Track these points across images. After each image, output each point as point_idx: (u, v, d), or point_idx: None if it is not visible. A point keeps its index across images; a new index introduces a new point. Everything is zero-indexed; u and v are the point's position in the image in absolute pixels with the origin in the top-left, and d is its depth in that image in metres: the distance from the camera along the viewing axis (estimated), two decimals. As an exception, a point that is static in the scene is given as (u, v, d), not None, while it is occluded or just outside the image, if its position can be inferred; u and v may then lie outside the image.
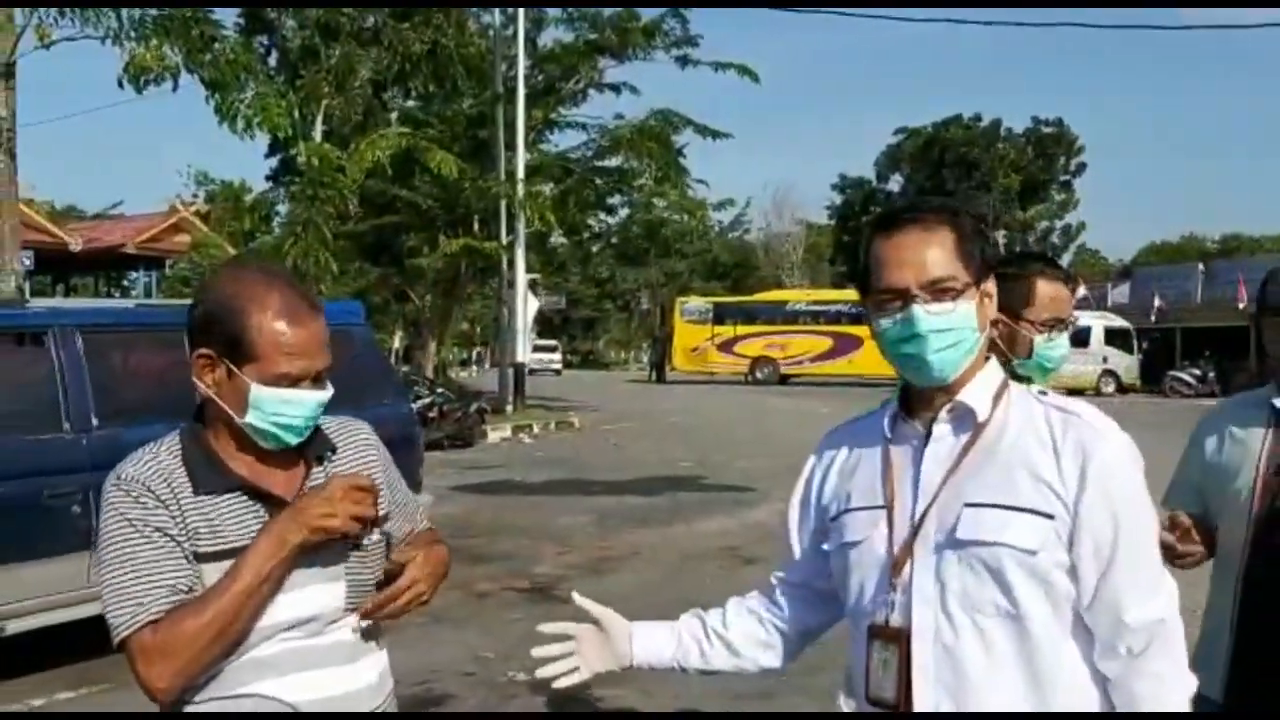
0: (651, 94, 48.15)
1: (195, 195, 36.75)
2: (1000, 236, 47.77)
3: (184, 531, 1.81)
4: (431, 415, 17.50)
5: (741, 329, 41.57)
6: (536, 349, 41.80)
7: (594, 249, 33.21)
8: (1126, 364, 35.68)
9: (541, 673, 2.00)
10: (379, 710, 1.96)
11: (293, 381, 1.84)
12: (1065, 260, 53.86)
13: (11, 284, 13.09)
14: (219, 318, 1.84)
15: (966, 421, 1.77)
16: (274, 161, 27.53)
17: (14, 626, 5.65)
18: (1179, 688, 1.73)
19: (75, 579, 5.81)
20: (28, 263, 20.29)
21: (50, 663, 6.04)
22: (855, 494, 1.85)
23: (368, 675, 1.94)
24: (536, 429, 21.80)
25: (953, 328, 1.73)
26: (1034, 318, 2.65)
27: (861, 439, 1.90)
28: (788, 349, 40.87)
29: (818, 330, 40.86)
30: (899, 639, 1.73)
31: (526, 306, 25.28)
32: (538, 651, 2.01)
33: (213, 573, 1.80)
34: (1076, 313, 2.85)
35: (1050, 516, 1.68)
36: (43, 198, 38.86)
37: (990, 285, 1.80)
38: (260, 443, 1.88)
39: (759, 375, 40.22)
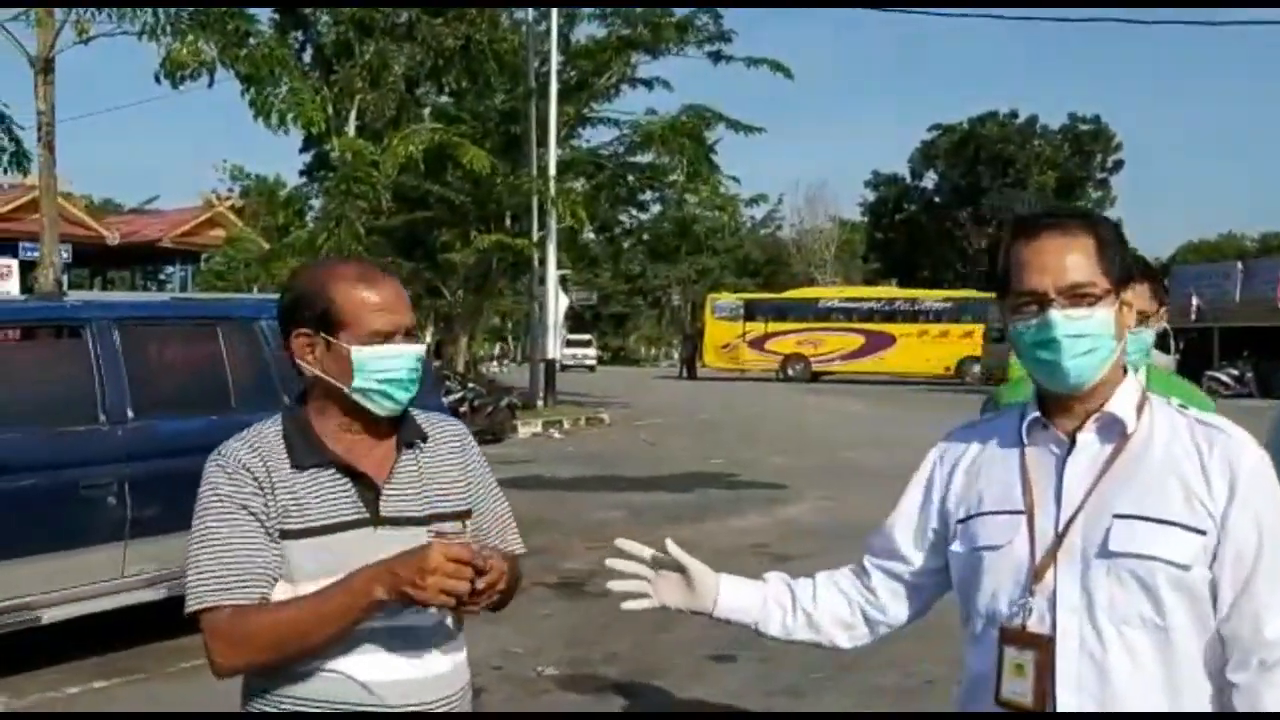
0: (684, 89, 48.12)
1: (230, 190, 36.85)
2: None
3: (272, 510, 1.89)
4: (462, 410, 17.53)
5: (773, 326, 41.45)
6: (570, 344, 41.75)
7: (625, 245, 33.19)
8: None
9: (612, 585, 2.01)
10: (451, 702, 1.98)
11: (386, 337, 1.93)
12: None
13: (50, 277, 13.26)
14: (305, 298, 1.97)
15: (1113, 431, 1.76)
16: (308, 156, 27.64)
17: (49, 615, 5.69)
18: None
19: (110, 569, 5.87)
20: (66, 256, 20.56)
21: (84, 652, 6.09)
22: (988, 498, 1.83)
23: (439, 664, 1.97)
24: (567, 425, 21.78)
25: (1089, 334, 1.72)
26: None
27: (991, 442, 1.88)
28: (819, 346, 40.71)
29: (850, 328, 40.73)
30: (1037, 644, 1.72)
31: (557, 302, 25.30)
32: (612, 563, 2.01)
33: (297, 549, 1.88)
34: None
35: (1202, 533, 1.69)
36: (81, 192, 39.24)
37: (1129, 294, 1.78)
38: (372, 409, 1.95)
39: (790, 372, 40.04)
